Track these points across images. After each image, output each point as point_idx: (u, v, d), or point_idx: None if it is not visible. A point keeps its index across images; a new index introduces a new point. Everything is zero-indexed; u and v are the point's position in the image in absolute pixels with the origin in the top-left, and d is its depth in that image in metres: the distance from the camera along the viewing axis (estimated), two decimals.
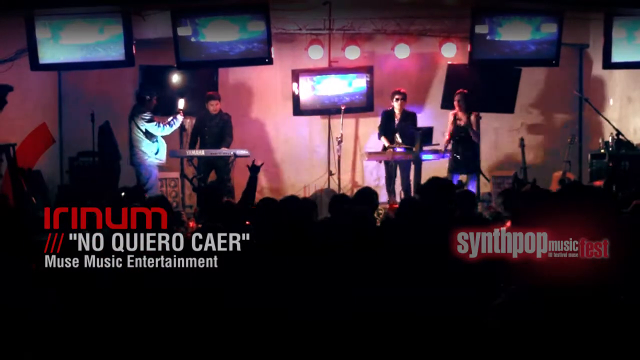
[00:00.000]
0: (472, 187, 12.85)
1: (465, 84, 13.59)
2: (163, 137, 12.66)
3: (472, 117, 13.06)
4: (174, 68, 13.34)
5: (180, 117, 12.65)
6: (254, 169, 9.64)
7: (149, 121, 12.47)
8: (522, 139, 13.43)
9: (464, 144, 12.98)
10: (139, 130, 12.42)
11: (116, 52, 12.47)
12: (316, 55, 14.16)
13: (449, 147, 13.02)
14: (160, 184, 13.40)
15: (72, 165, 13.59)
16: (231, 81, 14.55)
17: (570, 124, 13.71)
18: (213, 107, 13.03)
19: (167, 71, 13.67)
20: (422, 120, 13.59)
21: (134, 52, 12.49)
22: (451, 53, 14.13)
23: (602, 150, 13.42)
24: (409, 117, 13.21)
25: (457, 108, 13.03)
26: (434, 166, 13.33)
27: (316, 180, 14.07)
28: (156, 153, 12.49)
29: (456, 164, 12.93)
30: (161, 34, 13.29)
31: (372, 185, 14.10)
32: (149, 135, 12.44)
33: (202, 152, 12.83)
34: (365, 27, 14.30)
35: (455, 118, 13.02)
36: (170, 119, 12.57)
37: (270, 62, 12.82)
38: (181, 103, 12.74)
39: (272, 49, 12.69)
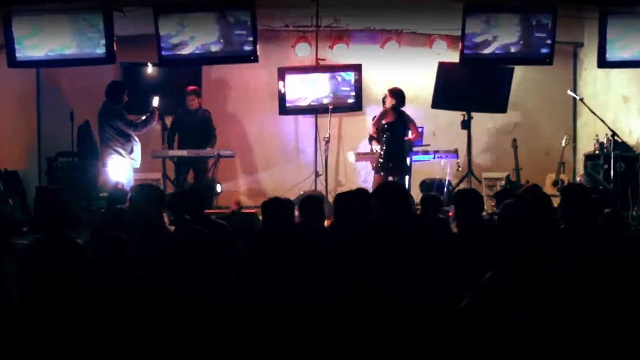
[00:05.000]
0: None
1: (456, 82, 13.73)
2: (137, 136, 12.33)
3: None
4: (156, 65, 13.31)
5: (155, 115, 12.43)
6: None
7: (121, 119, 12.18)
8: (514, 140, 13.48)
9: (398, 144, 12.32)
10: (110, 129, 12.11)
11: (97, 49, 12.34)
12: (303, 52, 14.17)
13: (378, 146, 12.44)
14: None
15: (50, 165, 13.47)
16: (215, 79, 14.50)
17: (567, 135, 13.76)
18: (190, 102, 12.99)
19: (149, 68, 13.76)
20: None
21: (115, 48, 12.33)
22: (442, 51, 14.16)
23: (597, 152, 13.36)
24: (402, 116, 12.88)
25: (390, 105, 12.36)
26: (424, 168, 13.52)
27: (303, 181, 14.06)
28: (130, 153, 12.20)
29: (392, 165, 12.21)
30: (143, 31, 13.13)
31: (359, 186, 14.17)
32: (121, 133, 12.13)
33: (184, 152, 12.75)
34: (354, 24, 14.24)
35: (385, 114, 12.44)
36: (144, 117, 12.35)
37: (256, 59, 12.71)
38: (155, 101, 12.53)
39: (258, 47, 12.56)
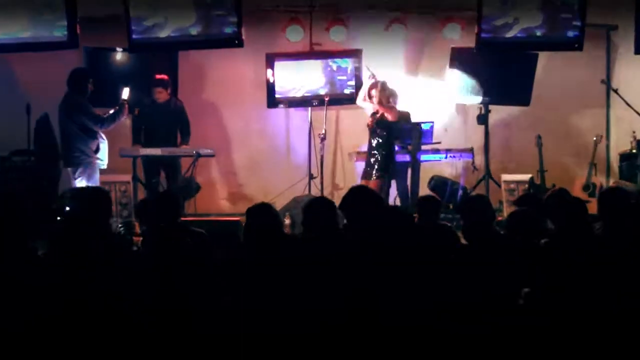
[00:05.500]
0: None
1: (472, 71, 13.50)
2: (104, 132, 11.95)
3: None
4: (125, 51, 13.19)
5: (125, 109, 12.02)
6: None
7: (85, 113, 11.69)
8: (539, 137, 13.13)
9: (386, 145, 12.30)
10: (73, 124, 11.66)
11: (56, 32, 12.24)
12: (295, 36, 13.86)
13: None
14: (107, 188, 12.28)
15: (3, 165, 12.91)
16: (194, 66, 14.16)
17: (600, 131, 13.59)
18: (157, 94, 12.65)
19: (117, 54, 13.51)
20: (422, 115, 13.33)
21: (77, 31, 12.19)
22: (455, 35, 13.83)
23: (634, 150, 13.15)
24: (404, 114, 12.65)
25: (379, 100, 12.27)
26: (435, 169, 13.51)
27: (294, 184, 13.76)
28: (96, 151, 11.77)
29: (383, 169, 12.20)
30: (110, 11, 12.98)
31: None
32: (85, 130, 11.67)
33: (158, 151, 12.38)
34: (354, 3, 13.96)
35: (376, 113, 12.26)
36: (112, 111, 11.90)
37: (241, 44, 12.52)
38: (125, 92, 12.08)
39: (243, 30, 12.39)
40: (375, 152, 12.20)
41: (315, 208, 7.21)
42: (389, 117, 12.12)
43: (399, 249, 6.41)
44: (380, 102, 12.29)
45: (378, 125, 12.20)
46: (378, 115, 12.27)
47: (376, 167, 12.15)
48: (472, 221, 7.28)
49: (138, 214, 8.64)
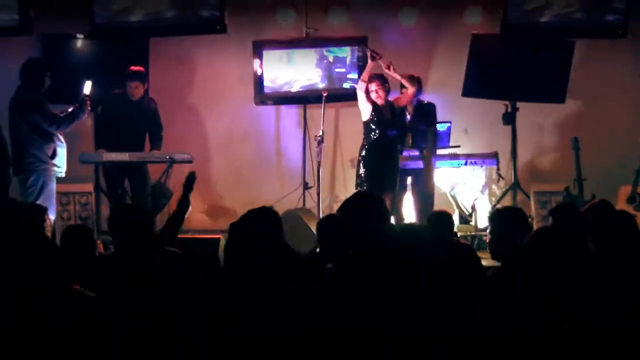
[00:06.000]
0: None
1: (496, 62, 13.16)
2: (61, 134, 11.58)
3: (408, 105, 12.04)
4: (87, 38, 13.18)
5: (87, 107, 11.58)
6: (189, 184, 8.92)
7: (40, 110, 11.30)
8: (576, 139, 12.72)
9: (387, 147, 11.83)
10: (26, 124, 11.33)
11: (6, 15, 12.38)
12: (287, 20, 13.93)
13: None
14: (65, 200, 12.76)
15: None
16: (168, 56, 13.92)
17: None
18: (133, 89, 12.15)
19: (77, 42, 13.38)
20: (437, 114, 12.84)
21: (31, 15, 12.31)
22: (476, 19, 13.82)
23: None
24: (424, 110, 12.48)
25: (380, 93, 11.72)
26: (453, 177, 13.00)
27: (286, 196, 13.49)
28: (52, 157, 11.39)
29: (373, 177, 11.68)
30: None
31: None
32: (39, 131, 11.35)
33: (125, 156, 11.98)
34: None
35: (376, 107, 11.66)
36: (71, 109, 11.51)
37: (223, 30, 12.57)
38: (87, 87, 11.69)
39: (226, 13, 12.49)
40: (365, 156, 11.74)
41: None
42: (405, 94, 11.75)
43: (405, 264, 6.17)
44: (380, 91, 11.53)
45: (378, 120, 11.61)
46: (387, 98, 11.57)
47: (366, 176, 11.72)
48: (502, 236, 6.97)
49: (112, 228, 8.44)
